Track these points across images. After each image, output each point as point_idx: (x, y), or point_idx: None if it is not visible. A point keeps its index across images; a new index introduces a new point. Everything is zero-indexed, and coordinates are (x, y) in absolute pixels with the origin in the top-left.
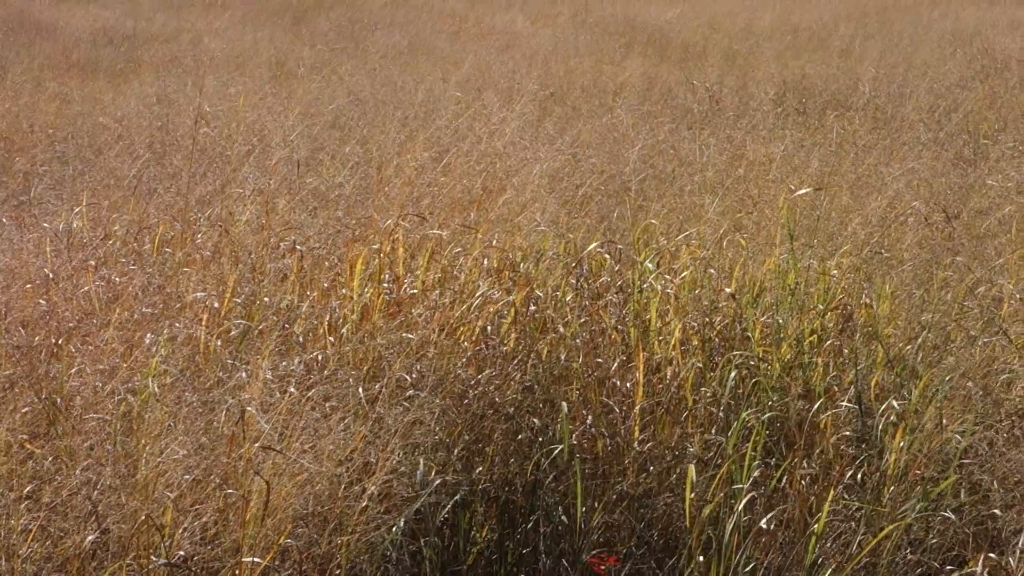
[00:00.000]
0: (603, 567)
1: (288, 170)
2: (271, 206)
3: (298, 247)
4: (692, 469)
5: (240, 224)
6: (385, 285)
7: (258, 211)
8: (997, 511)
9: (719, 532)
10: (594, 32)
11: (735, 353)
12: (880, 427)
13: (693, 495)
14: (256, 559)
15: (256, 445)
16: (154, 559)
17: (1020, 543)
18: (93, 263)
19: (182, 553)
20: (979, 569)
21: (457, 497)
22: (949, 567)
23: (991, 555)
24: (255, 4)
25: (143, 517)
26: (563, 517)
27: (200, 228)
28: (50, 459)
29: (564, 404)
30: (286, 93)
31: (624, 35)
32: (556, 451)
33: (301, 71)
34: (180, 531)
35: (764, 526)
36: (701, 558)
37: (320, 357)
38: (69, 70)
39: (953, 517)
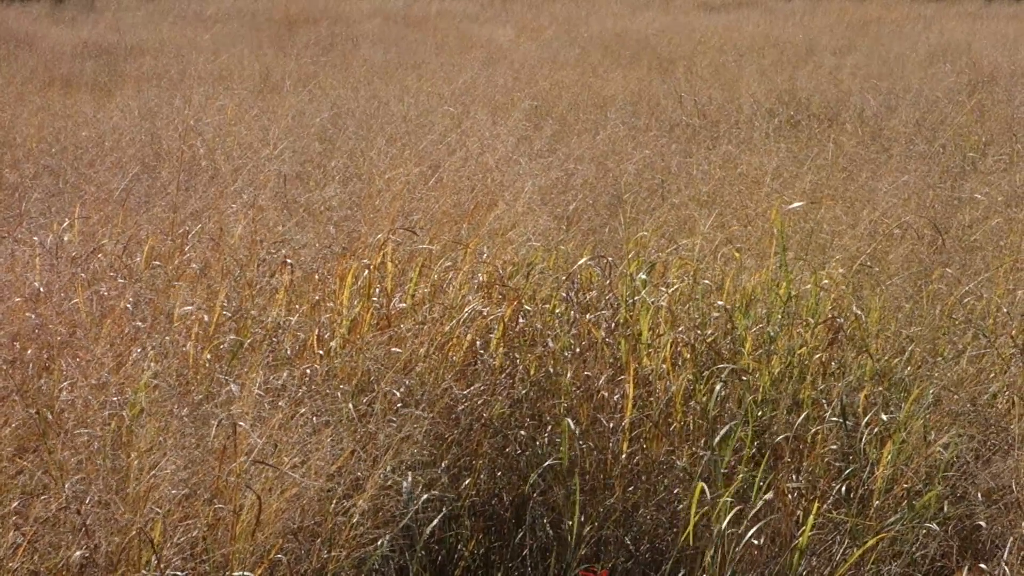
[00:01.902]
0: None
1: (277, 184)
2: (261, 220)
3: (288, 261)
4: (702, 486)
5: (234, 238)
6: (375, 300)
7: (249, 226)
8: (983, 523)
9: (704, 545)
10: (579, 45)
11: (721, 366)
12: (866, 440)
13: (680, 507)
14: (247, 573)
15: (250, 459)
16: (144, 574)
17: (1006, 555)
18: (84, 276)
19: (178, 574)
20: None
21: (444, 512)
22: None
23: (982, 566)
24: (238, 18)
25: (134, 532)
26: (550, 530)
27: (191, 242)
28: (39, 473)
29: (569, 421)
30: (273, 107)
31: (609, 48)
32: (546, 465)
33: (287, 85)
34: (169, 545)
35: (753, 540)
36: (702, 573)
37: (309, 372)
38: (52, 84)
39: (937, 528)
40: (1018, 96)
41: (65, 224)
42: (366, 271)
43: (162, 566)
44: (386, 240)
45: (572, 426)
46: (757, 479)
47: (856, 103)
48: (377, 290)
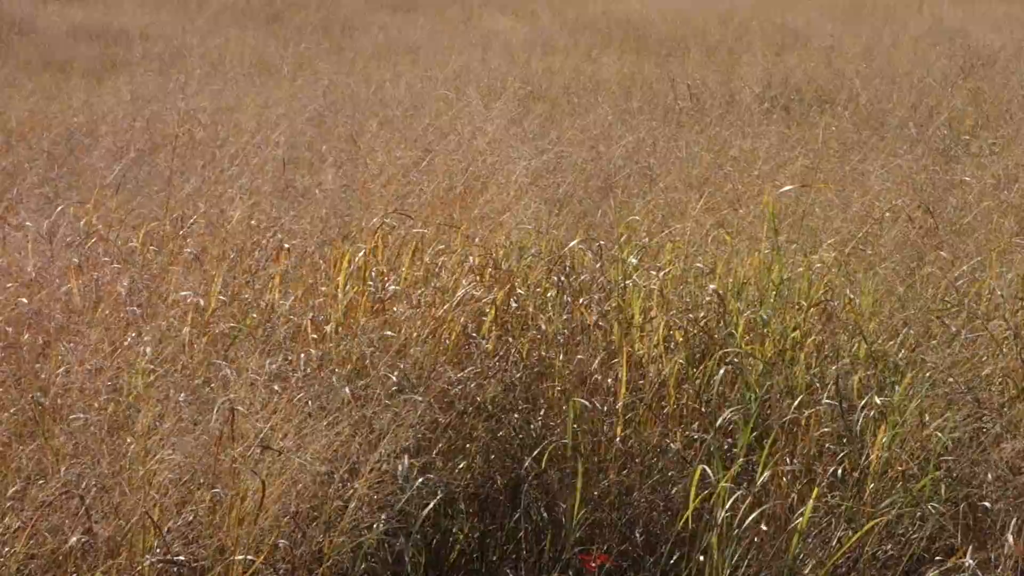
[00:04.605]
0: (594, 564)
1: (273, 168)
2: (257, 204)
3: (286, 246)
4: (703, 468)
5: (232, 222)
6: (371, 284)
7: (246, 210)
8: (987, 503)
9: (700, 528)
10: (573, 29)
11: (724, 351)
12: (861, 423)
13: (675, 490)
14: (250, 557)
15: (249, 444)
16: (148, 558)
17: (1009, 535)
18: (76, 261)
19: (180, 558)
20: (967, 560)
21: (439, 495)
22: (938, 557)
23: (1008, 538)
24: (232, 3)
25: (136, 517)
26: (544, 514)
27: (187, 227)
28: (35, 459)
29: (577, 399)
30: (267, 91)
31: (603, 33)
32: (542, 448)
33: (281, 70)
34: (167, 531)
35: (749, 523)
36: (701, 556)
37: (303, 357)
38: (46, 68)
39: (940, 508)
40: (1013, 79)
41: (59, 209)
42: (360, 254)
43: (161, 551)
44: (381, 224)
45: (579, 406)
46: (762, 463)
47: (850, 86)
48: (373, 272)
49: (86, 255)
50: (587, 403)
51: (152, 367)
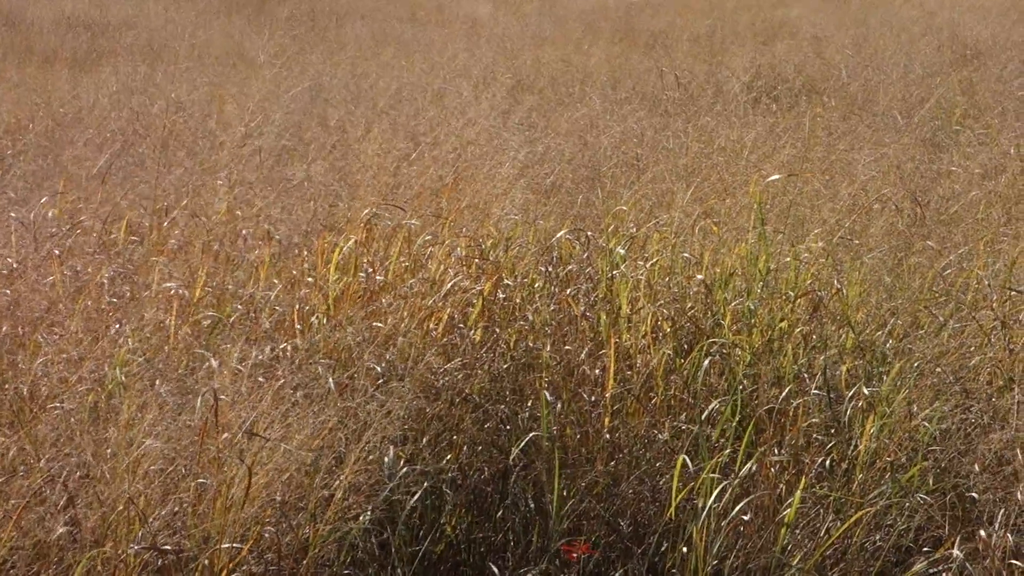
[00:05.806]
0: (575, 555)
1: (258, 160)
2: (242, 196)
3: (277, 237)
4: (684, 459)
5: (220, 213)
6: (362, 275)
7: (230, 202)
8: (975, 494)
9: (687, 519)
10: (560, 20)
11: (710, 341)
12: (849, 413)
13: (663, 481)
14: (236, 546)
15: (234, 433)
16: (133, 547)
17: (997, 524)
18: (58, 252)
19: (167, 548)
20: (955, 551)
21: (426, 486)
22: (925, 548)
23: (982, 532)
24: None
25: (121, 507)
26: (531, 504)
27: (171, 217)
28: (14, 449)
29: (545, 392)
30: (251, 82)
31: (591, 23)
32: (526, 439)
33: (265, 61)
34: (151, 519)
35: (735, 513)
36: (685, 549)
37: (291, 348)
38: (33, 59)
39: (928, 499)
40: (1004, 70)
41: (43, 200)
42: (348, 244)
43: (146, 540)
44: (372, 215)
45: (549, 398)
46: (742, 451)
47: (838, 76)
48: (365, 263)
49: (68, 246)
50: (551, 398)
51: (133, 356)
